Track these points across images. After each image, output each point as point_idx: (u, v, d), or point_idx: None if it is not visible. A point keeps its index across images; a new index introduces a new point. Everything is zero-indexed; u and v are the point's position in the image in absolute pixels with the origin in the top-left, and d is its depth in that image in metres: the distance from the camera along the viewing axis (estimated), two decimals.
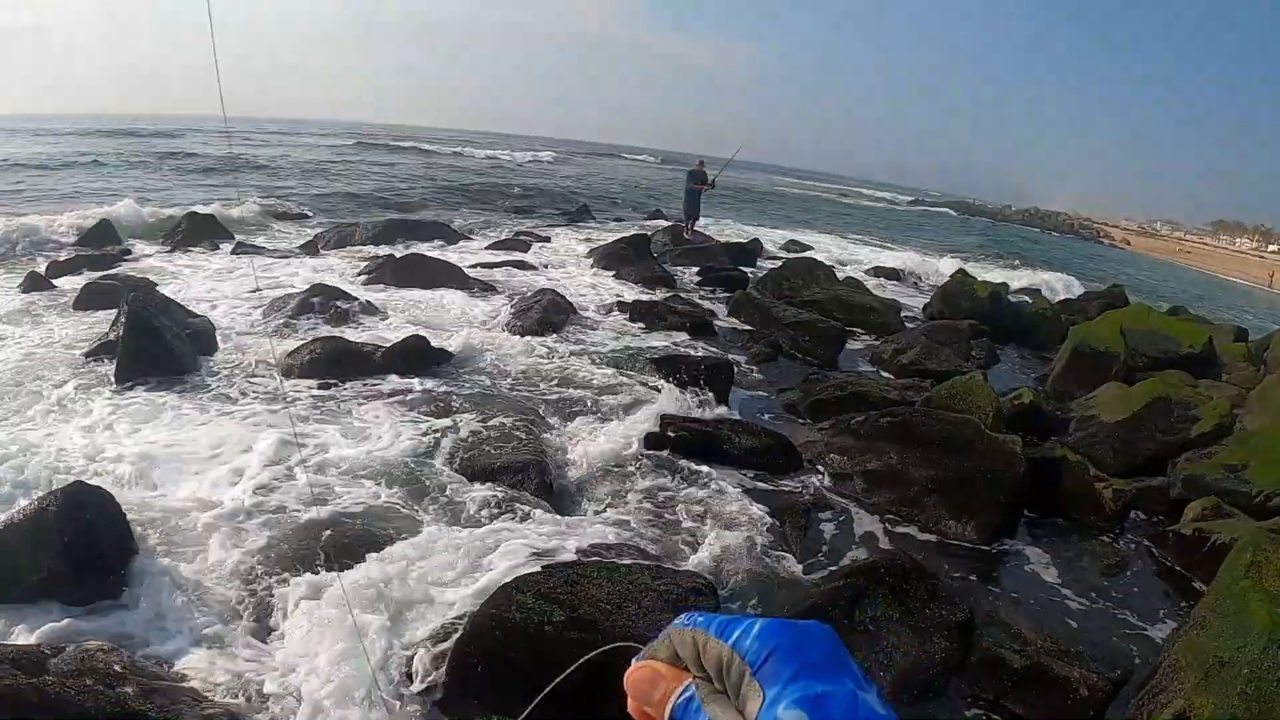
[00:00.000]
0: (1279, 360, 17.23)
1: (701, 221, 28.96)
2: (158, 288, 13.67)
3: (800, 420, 11.81)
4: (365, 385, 10.54)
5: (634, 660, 0.92)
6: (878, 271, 29.60)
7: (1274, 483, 10.11)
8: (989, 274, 30.62)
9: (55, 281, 14.68)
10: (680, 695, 0.85)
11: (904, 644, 6.48)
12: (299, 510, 7.54)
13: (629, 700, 0.90)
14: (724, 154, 28.31)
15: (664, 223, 32.27)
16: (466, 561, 6.95)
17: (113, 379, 9.87)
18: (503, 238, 24.69)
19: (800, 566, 7.91)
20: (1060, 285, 33.96)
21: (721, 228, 32.90)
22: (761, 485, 9.41)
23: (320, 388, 10.34)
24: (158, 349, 10.18)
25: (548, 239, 25.28)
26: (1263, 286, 78.78)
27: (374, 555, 6.82)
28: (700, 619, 0.86)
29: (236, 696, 5.24)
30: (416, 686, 5.39)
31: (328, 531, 7.07)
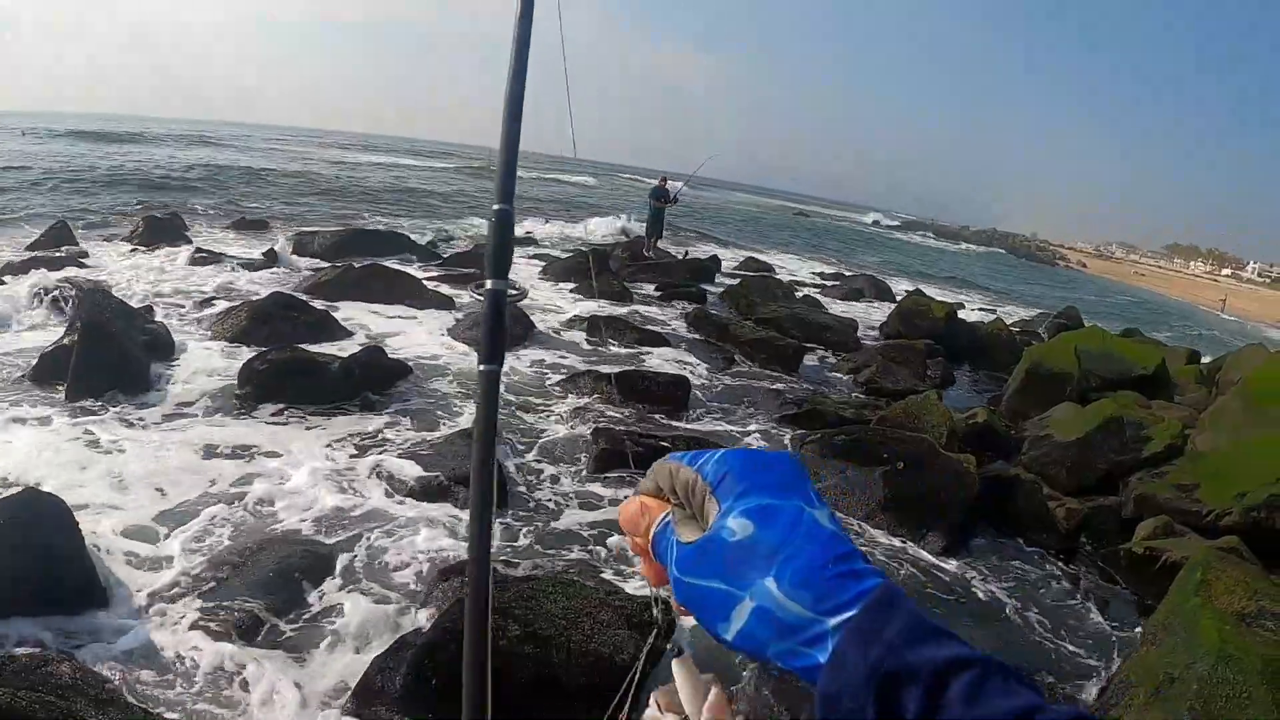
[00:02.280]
0: (1230, 382, 17.35)
1: (668, 243, 28.99)
2: (114, 293, 13.52)
3: (757, 436, 11.81)
4: (317, 400, 10.43)
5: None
6: (835, 287, 29.76)
7: (1225, 503, 10.20)
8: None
9: (4, 279, 14.50)
10: (660, 523, 0.93)
11: None
12: (253, 530, 7.47)
13: (627, 535, 0.99)
14: (667, 168, 28.33)
15: (624, 238, 32.33)
16: (419, 576, 6.96)
17: (63, 392, 9.69)
18: (462, 250, 24.58)
19: None
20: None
21: (681, 244, 32.89)
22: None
23: (273, 403, 10.22)
24: (114, 360, 10.01)
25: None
26: (1216, 311, 79.63)
27: (326, 574, 6.83)
28: (678, 454, 0.94)
29: (190, 708, 5.20)
30: (371, 701, 5.36)
31: (283, 550, 6.99)
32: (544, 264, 22.98)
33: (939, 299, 26.16)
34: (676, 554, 0.89)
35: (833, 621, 0.76)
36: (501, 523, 8.15)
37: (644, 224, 28.62)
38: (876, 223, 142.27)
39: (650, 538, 0.94)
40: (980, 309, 33.60)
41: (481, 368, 1.41)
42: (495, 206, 1.39)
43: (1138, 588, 9.21)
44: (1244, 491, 10.20)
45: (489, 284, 1.34)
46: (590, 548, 8.04)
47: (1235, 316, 75.81)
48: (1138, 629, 7.86)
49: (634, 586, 6.95)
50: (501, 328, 1.41)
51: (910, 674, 0.71)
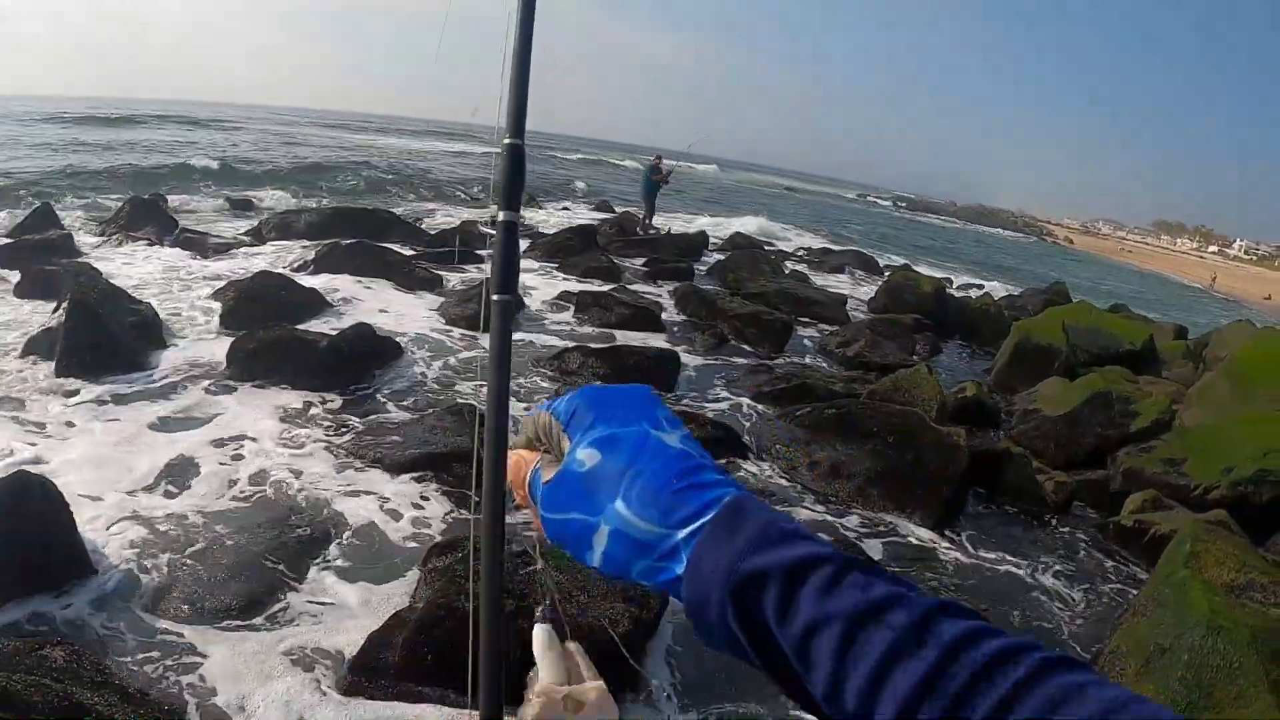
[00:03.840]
0: (1217, 358, 17.42)
1: (658, 219, 28.88)
2: (103, 275, 13.43)
3: (746, 412, 11.81)
4: (306, 378, 10.31)
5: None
6: (823, 261, 29.78)
7: (1212, 477, 10.25)
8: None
9: None
10: (530, 470, 0.99)
11: None
12: (246, 510, 7.41)
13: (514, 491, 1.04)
14: (666, 146, 28.33)
15: (611, 214, 32.24)
16: (411, 552, 6.97)
17: (52, 372, 9.61)
18: (449, 227, 24.44)
19: None
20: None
21: (670, 221, 32.78)
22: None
23: (261, 382, 10.15)
24: (102, 340, 9.93)
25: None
26: (1204, 287, 79.92)
27: (317, 552, 6.83)
28: (544, 403, 1.00)
29: (185, 689, 5.20)
30: (366, 678, 5.36)
31: (274, 530, 6.99)
32: (531, 241, 22.88)
33: (927, 274, 26.22)
34: (541, 496, 0.94)
35: (682, 534, 0.81)
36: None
37: (639, 202, 28.53)
38: (864, 198, 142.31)
39: (528, 488, 0.99)
40: (968, 284, 33.61)
41: (495, 298, 1.41)
42: (506, 140, 1.39)
43: (1127, 560, 9.25)
44: (1231, 466, 10.25)
45: (501, 215, 1.35)
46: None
47: (1224, 294, 76.09)
48: (1128, 601, 7.89)
49: None
50: (515, 258, 1.41)
51: (763, 575, 0.74)
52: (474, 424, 8.69)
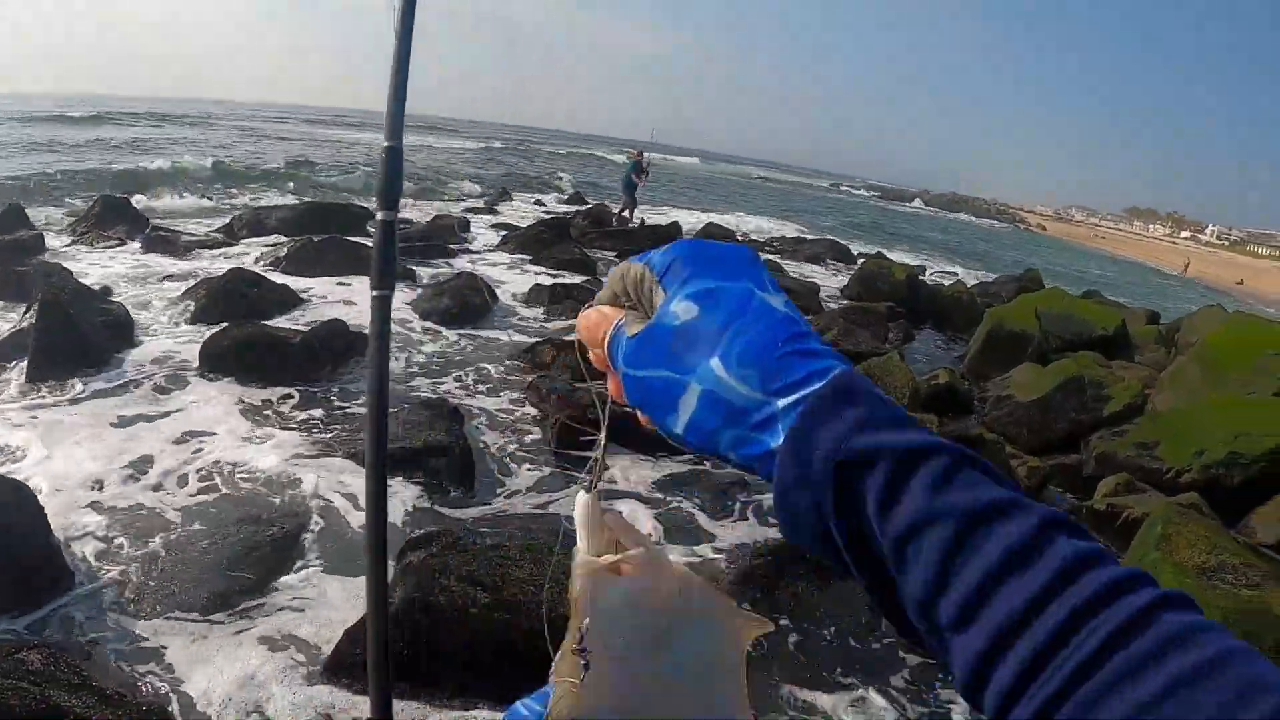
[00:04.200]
0: (1189, 343, 17.53)
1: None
2: (74, 275, 13.31)
3: None
4: (279, 375, 10.27)
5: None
6: (796, 251, 29.83)
7: (1184, 460, 10.31)
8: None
9: None
10: (611, 332, 0.89)
11: (827, 618, 6.56)
12: (219, 507, 7.36)
13: (590, 350, 0.95)
14: (626, 138, 28.28)
15: (584, 205, 32.21)
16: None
17: (23, 374, 9.50)
18: (422, 221, 24.32)
19: (725, 544, 7.91)
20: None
21: (643, 212, 32.72)
22: (681, 466, 9.40)
23: (234, 379, 10.06)
24: (74, 341, 9.83)
25: (466, 223, 24.88)
26: (1178, 272, 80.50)
27: (292, 548, 6.80)
28: (636, 256, 0.90)
29: (163, 689, 5.17)
30: (342, 674, 5.34)
31: (248, 527, 6.92)
32: (505, 234, 22.83)
33: (900, 262, 26.28)
34: (623, 352, 0.86)
35: (782, 402, 0.75)
36: (467, 492, 8.15)
37: (620, 196, 28.49)
38: (837, 186, 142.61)
39: (606, 346, 0.91)
40: (941, 271, 33.72)
41: (374, 293, 1.44)
42: (385, 144, 1.42)
43: (1102, 543, 9.27)
44: (1203, 449, 10.31)
45: (379, 215, 1.37)
46: (557, 515, 8.00)
47: (1198, 279, 76.64)
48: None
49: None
50: (392, 255, 1.44)
51: (870, 458, 0.69)
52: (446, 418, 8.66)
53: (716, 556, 7.72)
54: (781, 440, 0.74)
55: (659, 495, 8.74)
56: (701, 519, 8.39)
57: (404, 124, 1.47)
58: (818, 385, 0.74)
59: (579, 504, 0.91)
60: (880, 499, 0.67)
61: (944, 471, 0.67)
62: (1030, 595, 0.61)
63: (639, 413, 0.89)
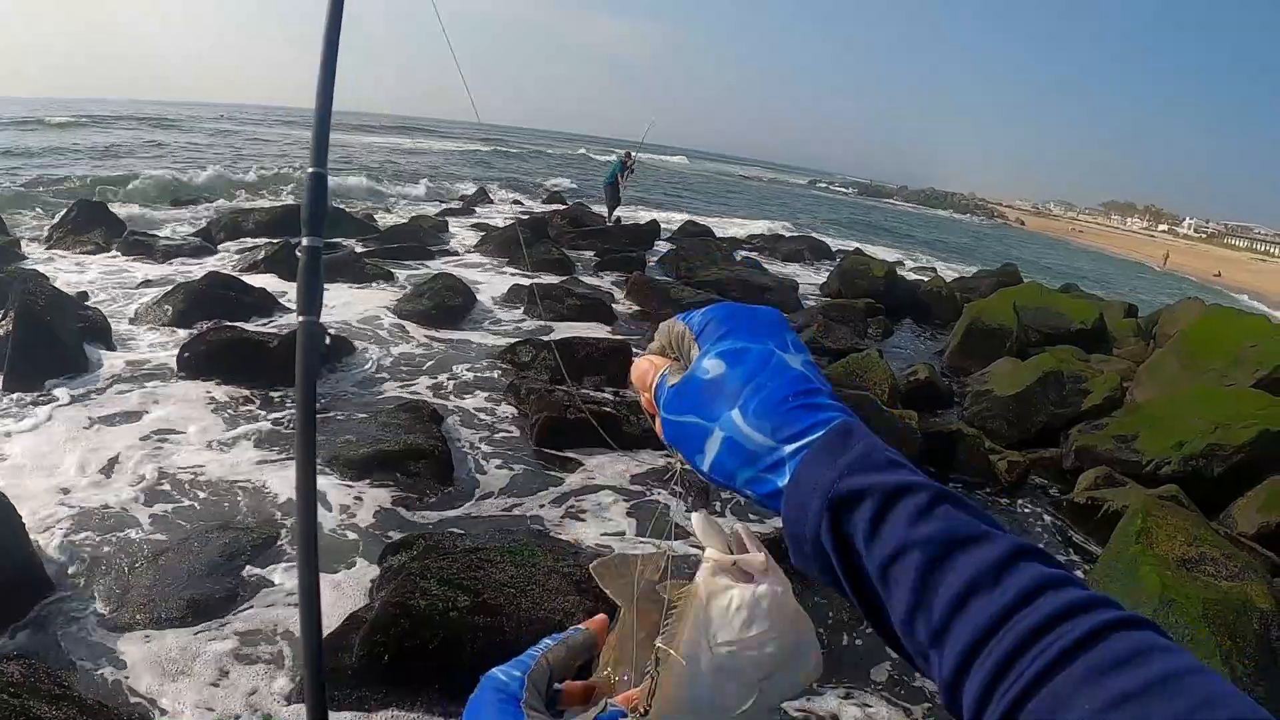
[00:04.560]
0: (1167, 335, 17.62)
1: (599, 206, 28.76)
2: (50, 281, 13.20)
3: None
4: (257, 379, 10.18)
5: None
6: (775, 248, 29.87)
7: (1163, 452, 10.35)
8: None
9: None
10: (658, 375, 1.00)
11: (813, 613, 6.56)
12: (199, 512, 7.33)
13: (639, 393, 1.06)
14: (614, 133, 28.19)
15: (563, 205, 32.13)
16: (365, 552, 6.91)
17: (0, 383, 9.39)
18: (401, 223, 24.22)
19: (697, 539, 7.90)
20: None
21: (624, 210, 32.56)
22: (664, 464, 9.39)
23: (213, 383, 10.00)
24: (50, 348, 9.76)
25: (444, 223, 24.83)
26: (1157, 265, 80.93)
27: (272, 553, 6.76)
28: (680, 315, 1.03)
29: (143, 698, 5.12)
30: (326, 677, 5.31)
31: (228, 533, 6.89)
32: (482, 234, 22.76)
33: (878, 258, 26.34)
34: (665, 398, 0.97)
35: (789, 449, 0.85)
36: (446, 494, 8.11)
37: (604, 195, 28.43)
38: (815, 184, 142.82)
39: (653, 391, 1.01)
40: (920, 266, 33.78)
41: (300, 319, 1.43)
42: (310, 170, 1.42)
43: (1080, 537, 9.32)
44: (1182, 441, 10.36)
45: (305, 241, 1.36)
46: (537, 516, 8.00)
47: (1176, 272, 77.07)
48: (1081, 577, 7.93)
49: (589, 542, 6.97)
50: (318, 281, 1.44)
51: (859, 495, 0.78)
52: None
53: (694, 551, 7.71)
54: (787, 480, 0.84)
55: (637, 488, 8.75)
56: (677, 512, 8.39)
57: (328, 150, 1.48)
58: (818, 435, 0.84)
59: (696, 521, 0.96)
60: (867, 530, 0.77)
61: (924, 505, 0.76)
62: (994, 613, 0.68)
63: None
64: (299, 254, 1.52)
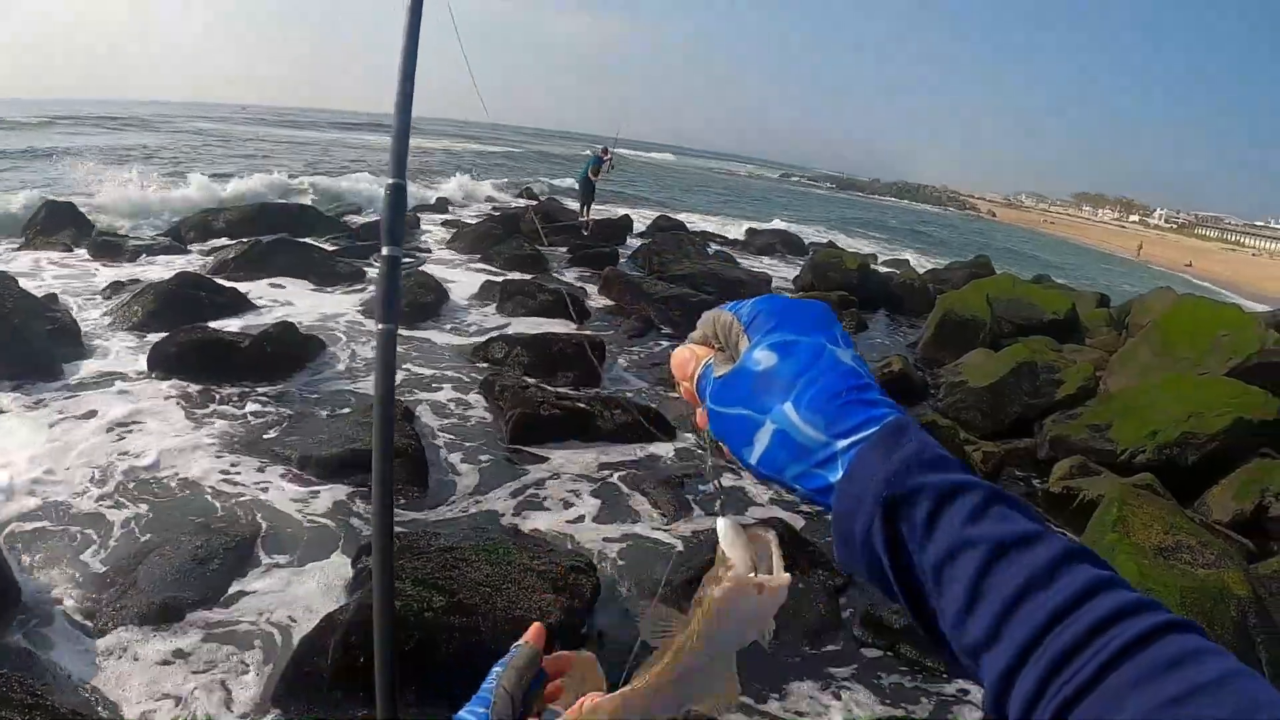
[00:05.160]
0: (1139, 325, 17.68)
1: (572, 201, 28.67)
2: (17, 283, 13.03)
3: (673, 393, 11.75)
4: (229, 379, 10.15)
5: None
6: (748, 242, 29.92)
7: (1137, 441, 10.38)
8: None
9: None
10: (702, 366, 0.99)
11: (787, 607, 6.55)
12: (171, 515, 7.23)
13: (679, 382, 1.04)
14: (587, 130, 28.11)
15: (533, 201, 31.98)
16: (340, 553, 6.87)
17: None
18: (371, 221, 24.04)
19: (678, 538, 7.88)
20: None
21: (599, 207, 32.38)
22: (636, 458, 9.39)
23: (184, 384, 9.91)
24: (19, 351, 9.64)
25: (416, 220, 24.62)
26: (1131, 256, 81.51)
27: (246, 555, 6.69)
28: (728, 304, 1.01)
29: (119, 706, 5.06)
30: (301, 681, 5.24)
31: (200, 536, 6.78)
32: (454, 231, 22.69)
33: (851, 251, 26.38)
34: (711, 389, 0.96)
35: (842, 444, 0.84)
36: (420, 494, 8.07)
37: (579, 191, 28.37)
38: (787, 177, 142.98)
39: (695, 381, 1.00)
40: (893, 259, 33.84)
41: (380, 326, 1.43)
42: (390, 181, 1.42)
43: (1056, 526, 9.31)
44: (1156, 430, 10.39)
45: (385, 250, 1.36)
46: (512, 514, 7.96)
47: (1150, 262, 77.62)
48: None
49: (565, 539, 6.93)
50: (397, 289, 1.43)
51: (914, 494, 0.78)
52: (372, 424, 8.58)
53: (675, 540, 7.69)
54: (840, 476, 0.83)
55: (612, 484, 8.73)
56: (641, 502, 8.46)
57: (407, 163, 1.47)
58: (872, 430, 0.83)
59: (722, 529, 0.99)
60: (922, 529, 0.77)
61: (978, 506, 0.76)
62: (1050, 611, 0.69)
63: (721, 443, 0.98)
64: (376, 262, 1.53)
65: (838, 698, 6.01)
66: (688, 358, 1.02)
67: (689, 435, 10.11)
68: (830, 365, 0.89)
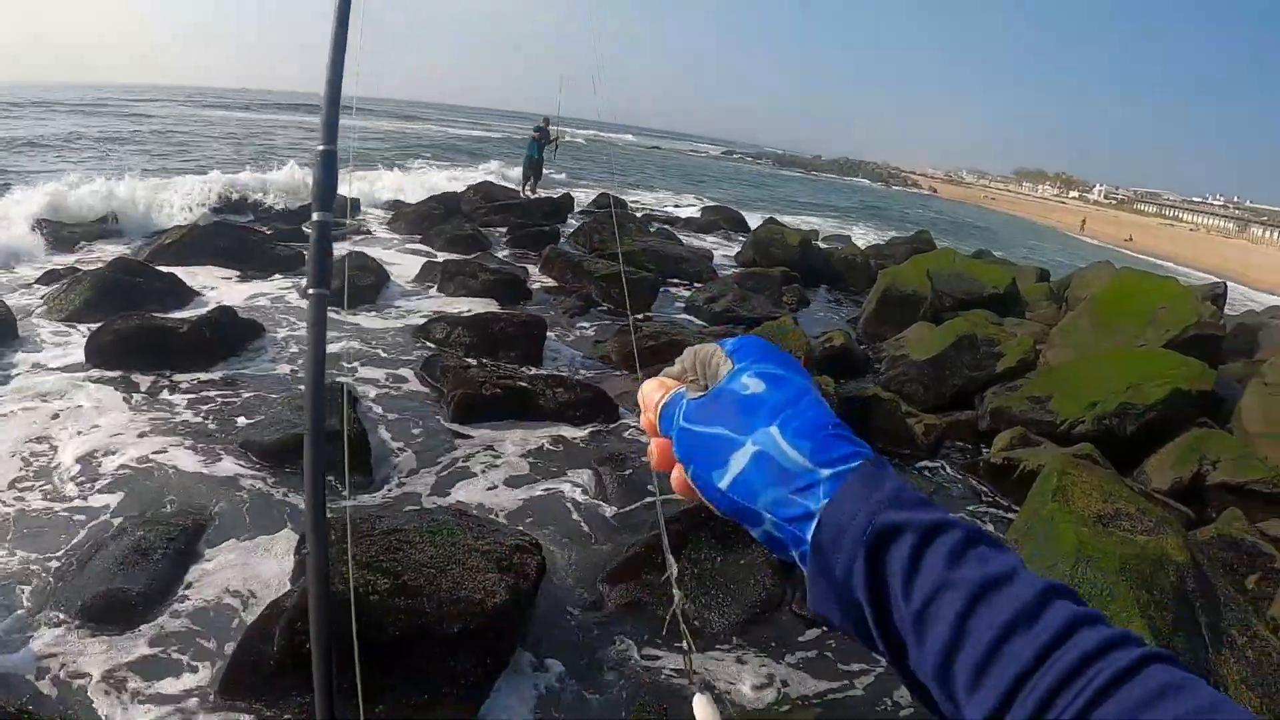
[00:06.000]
0: (1079, 298, 17.87)
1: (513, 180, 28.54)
2: None
3: (616, 372, 11.76)
4: (168, 367, 9.92)
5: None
6: (690, 219, 29.97)
7: (1077, 412, 10.49)
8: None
9: None
10: (672, 394, 1.00)
11: (729, 584, 6.56)
12: (113, 505, 7.10)
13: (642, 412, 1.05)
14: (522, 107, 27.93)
15: (476, 179, 31.75)
16: (285, 539, 6.79)
17: None
18: (306, 203, 23.72)
19: (621, 516, 7.89)
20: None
21: (544, 187, 32.20)
22: (579, 437, 9.37)
23: (122, 374, 9.70)
24: None
25: (356, 200, 24.35)
26: (1074, 232, 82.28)
27: (189, 544, 6.57)
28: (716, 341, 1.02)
29: (69, 708, 4.94)
30: (247, 670, 5.17)
31: (142, 525, 6.69)
32: (394, 212, 22.54)
33: (793, 227, 26.41)
34: (685, 409, 0.96)
35: (826, 472, 0.84)
36: (364, 477, 7.95)
37: (520, 168, 28.24)
38: (730, 154, 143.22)
39: (659, 411, 1.01)
40: (834, 234, 33.95)
41: (311, 292, 1.40)
42: (320, 147, 1.39)
43: (998, 496, 9.41)
44: (1095, 401, 10.51)
45: (315, 216, 1.33)
46: (456, 495, 7.92)
47: (1092, 236, 78.40)
48: (1000, 536, 7.97)
49: (509, 518, 6.89)
50: (327, 252, 1.41)
51: (898, 530, 0.78)
52: (343, 403, 8.49)
53: (616, 520, 7.67)
54: (823, 504, 0.83)
55: (556, 465, 8.73)
56: (584, 479, 8.49)
57: (338, 128, 1.45)
58: (856, 463, 0.84)
59: (698, 707, 0.99)
60: (905, 566, 0.77)
61: (960, 545, 0.77)
62: (1037, 649, 0.69)
63: (674, 473, 0.99)
64: (307, 229, 1.52)
65: (779, 674, 6.02)
66: (655, 387, 1.04)
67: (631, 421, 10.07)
68: (814, 402, 0.91)
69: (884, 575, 0.78)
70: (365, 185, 26.32)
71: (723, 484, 0.90)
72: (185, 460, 7.95)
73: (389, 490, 7.89)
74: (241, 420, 8.78)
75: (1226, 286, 24.31)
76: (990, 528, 8.67)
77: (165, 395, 9.35)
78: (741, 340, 0.99)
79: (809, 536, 0.83)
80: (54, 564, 6.19)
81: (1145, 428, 10.34)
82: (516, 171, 30.58)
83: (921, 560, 0.76)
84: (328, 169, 1.38)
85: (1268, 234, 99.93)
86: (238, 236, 16.40)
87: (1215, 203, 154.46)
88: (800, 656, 6.23)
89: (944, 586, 0.74)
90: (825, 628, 6.40)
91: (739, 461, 0.89)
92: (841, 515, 0.81)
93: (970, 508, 9.12)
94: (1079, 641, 0.68)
